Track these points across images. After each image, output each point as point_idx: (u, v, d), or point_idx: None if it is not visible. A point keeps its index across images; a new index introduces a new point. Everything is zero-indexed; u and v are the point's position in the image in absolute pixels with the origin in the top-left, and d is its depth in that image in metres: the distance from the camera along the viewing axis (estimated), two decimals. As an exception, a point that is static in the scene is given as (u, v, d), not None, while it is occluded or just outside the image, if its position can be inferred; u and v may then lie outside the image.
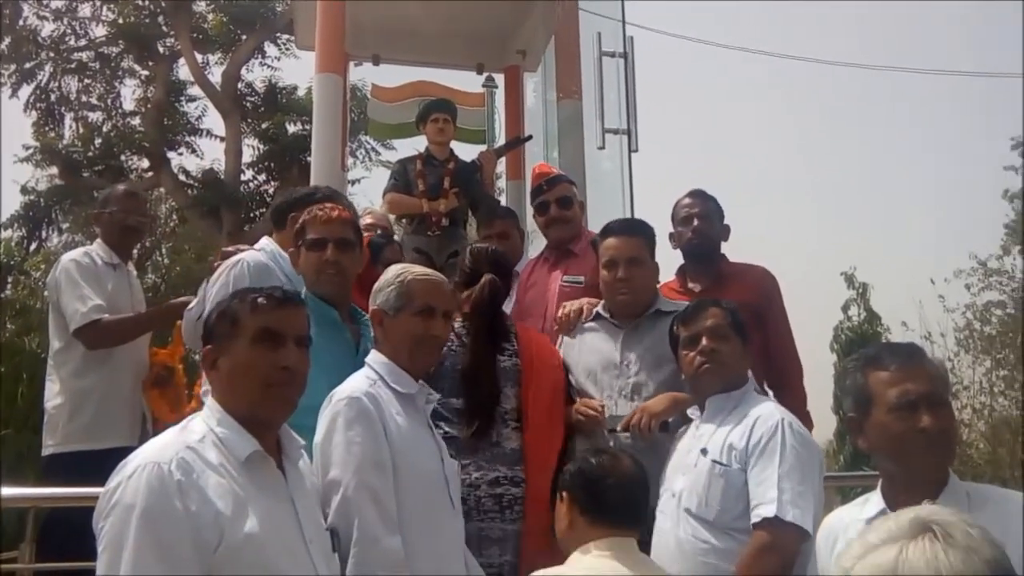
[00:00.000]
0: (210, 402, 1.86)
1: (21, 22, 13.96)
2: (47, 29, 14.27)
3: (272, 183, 14.55)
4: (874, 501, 1.94)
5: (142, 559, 1.58)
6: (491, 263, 2.94)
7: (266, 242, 3.09)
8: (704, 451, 2.40)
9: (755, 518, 2.22)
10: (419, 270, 2.46)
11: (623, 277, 2.95)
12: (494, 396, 2.73)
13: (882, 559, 1.20)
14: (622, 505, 2.13)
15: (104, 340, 3.52)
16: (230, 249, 3.13)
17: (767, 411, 2.41)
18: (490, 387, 2.73)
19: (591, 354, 3.00)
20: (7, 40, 13.86)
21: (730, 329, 2.54)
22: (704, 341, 2.50)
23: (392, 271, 2.45)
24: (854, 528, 1.91)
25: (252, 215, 14.25)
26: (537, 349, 2.91)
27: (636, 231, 3.08)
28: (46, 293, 3.72)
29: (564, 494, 2.18)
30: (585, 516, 2.11)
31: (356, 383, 2.25)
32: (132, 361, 3.68)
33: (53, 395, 3.56)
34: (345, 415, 2.13)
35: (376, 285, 2.44)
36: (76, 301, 3.48)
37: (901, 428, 1.85)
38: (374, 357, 2.37)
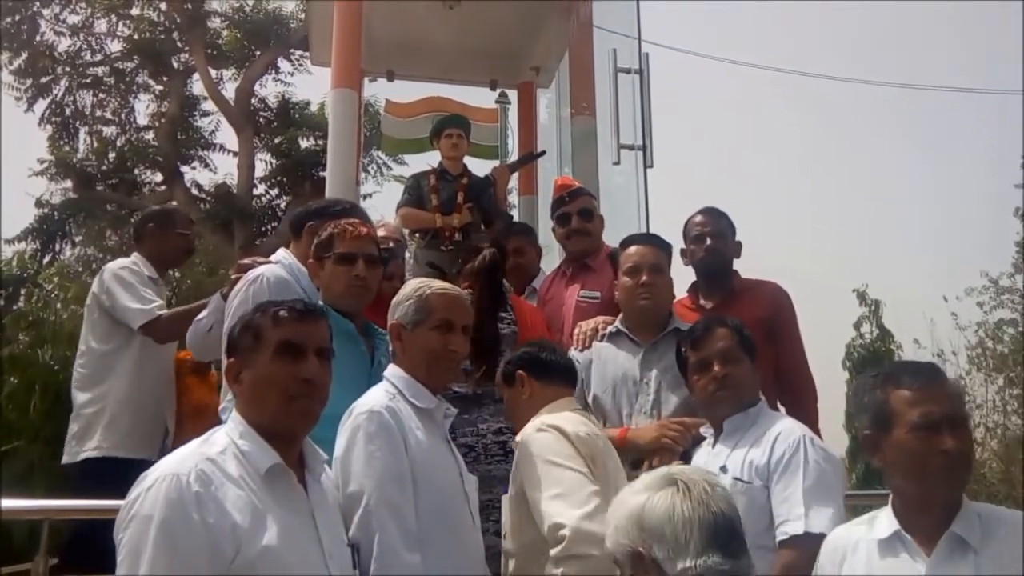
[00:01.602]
0: (234, 414, 1.86)
1: (38, 38, 14.12)
2: (63, 44, 14.45)
3: (284, 198, 14.63)
4: (883, 520, 1.93)
5: (159, 570, 1.59)
6: (491, 243, 3.38)
7: (283, 255, 3.10)
8: (724, 469, 2.38)
9: (781, 535, 2.20)
10: (437, 284, 2.45)
11: (646, 282, 2.98)
12: (496, 342, 3.10)
13: (633, 503, 1.57)
14: (562, 367, 2.66)
15: (170, 334, 3.63)
16: (247, 261, 3.14)
17: (787, 427, 2.40)
18: (493, 335, 3.13)
19: (609, 369, 3.00)
20: (24, 55, 14.01)
21: (740, 350, 2.53)
22: (716, 367, 2.49)
23: (411, 285, 2.45)
24: (863, 547, 1.92)
25: (264, 229, 14.32)
26: (530, 317, 3.35)
27: (657, 242, 3.15)
28: (88, 302, 3.79)
29: (519, 374, 2.60)
30: (541, 381, 2.58)
31: (376, 397, 2.24)
32: (166, 377, 3.77)
33: (94, 399, 3.61)
34: (366, 428, 2.13)
35: (395, 299, 2.44)
36: (136, 301, 3.58)
37: (922, 448, 1.83)
38: (393, 371, 2.36)
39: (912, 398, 1.87)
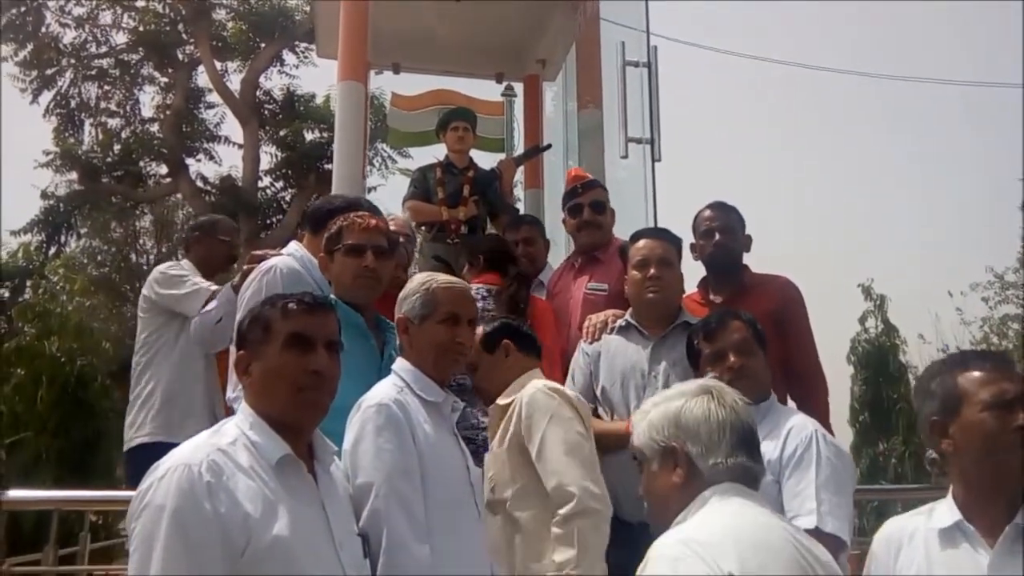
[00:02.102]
0: (243, 406, 1.87)
1: (43, 29, 14.13)
2: (68, 36, 14.48)
3: (289, 190, 14.67)
4: (943, 511, 1.89)
5: (171, 559, 1.59)
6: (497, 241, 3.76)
7: (295, 247, 3.12)
8: None
9: None
10: (444, 278, 2.46)
11: (654, 275, 2.99)
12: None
13: (671, 407, 1.75)
14: (536, 340, 2.85)
15: None
16: (259, 253, 3.17)
17: (799, 422, 2.40)
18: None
19: (618, 361, 3.01)
20: (29, 47, 14.03)
21: (754, 343, 2.54)
22: (732, 358, 2.50)
23: (417, 279, 2.46)
24: (921, 537, 1.88)
25: (269, 222, 14.36)
26: (540, 309, 3.53)
27: (667, 236, 3.16)
28: (140, 303, 4.00)
29: (506, 342, 2.74)
30: (522, 351, 2.75)
31: (384, 390, 2.25)
32: (213, 363, 3.88)
33: (145, 388, 3.78)
34: (374, 422, 2.14)
35: (401, 293, 2.45)
36: (187, 288, 3.76)
37: (997, 426, 1.79)
38: (400, 364, 2.37)
39: (983, 378, 1.84)
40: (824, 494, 2.20)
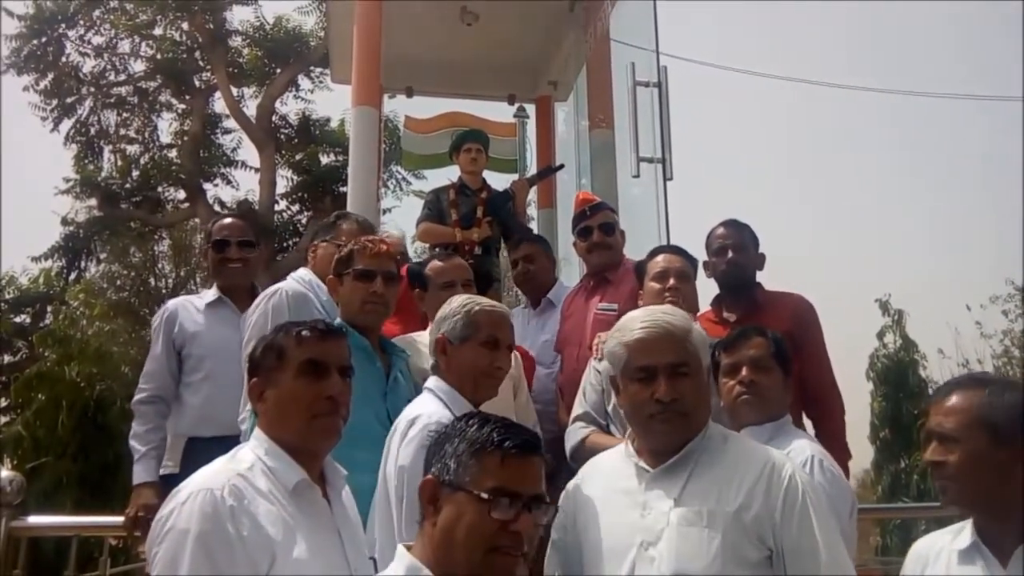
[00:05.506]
0: (257, 432, 1.89)
1: (64, 59, 14.38)
2: (88, 65, 14.70)
3: (305, 213, 14.78)
4: (966, 530, 1.93)
5: None
6: None
7: (303, 272, 3.16)
8: None
9: None
10: (486, 302, 2.48)
11: (673, 286, 3.03)
12: None
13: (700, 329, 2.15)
14: None
15: None
16: None
17: (798, 446, 2.38)
18: None
19: None
20: (50, 76, 14.27)
21: (772, 360, 2.51)
22: (744, 371, 2.49)
23: (458, 300, 2.47)
24: (944, 556, 1.94)
25: (285, 245, 14.46)
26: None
27: (684, 254, 3.23)
28: None
29: None
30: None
31: (436, 408, 2.25)
32: None
33: None
34: None
35: (440, 313, 2.47)
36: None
37: (929, 464, 1.91)
38: (437, 384, 2.37)
39: (928, 417, 1.94)
40: None
